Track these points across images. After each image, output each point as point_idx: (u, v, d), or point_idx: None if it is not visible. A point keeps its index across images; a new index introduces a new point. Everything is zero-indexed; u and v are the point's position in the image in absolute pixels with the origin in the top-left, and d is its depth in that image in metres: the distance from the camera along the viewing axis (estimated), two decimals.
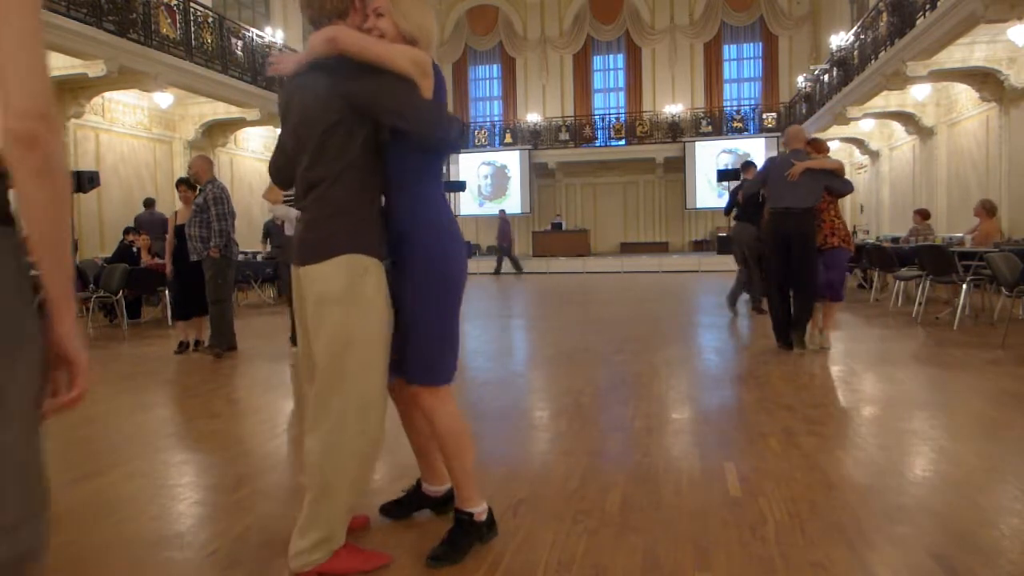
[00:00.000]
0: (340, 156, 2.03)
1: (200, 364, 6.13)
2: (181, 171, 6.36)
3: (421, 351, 2.16)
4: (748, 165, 8.69)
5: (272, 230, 12.44)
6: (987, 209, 8.97)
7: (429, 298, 2.14)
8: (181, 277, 6.69)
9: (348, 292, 2.02)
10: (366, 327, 2.05)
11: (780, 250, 5.69)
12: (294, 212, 4.77)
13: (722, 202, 21.52)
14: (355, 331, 2.03)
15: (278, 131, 2.34)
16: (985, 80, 11.73)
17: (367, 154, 2.07)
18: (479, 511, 2.27)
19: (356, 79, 1.99)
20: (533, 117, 25.04)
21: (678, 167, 23.95)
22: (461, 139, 2.21)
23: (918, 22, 11.20)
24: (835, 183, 5.81)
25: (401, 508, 2.53)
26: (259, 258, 13.02)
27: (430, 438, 2.37)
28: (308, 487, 2.11)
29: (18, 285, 1.00)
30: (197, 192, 6.53)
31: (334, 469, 2.06)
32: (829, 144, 19.95)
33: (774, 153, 20.61)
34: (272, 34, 16.00)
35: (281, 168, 2.29)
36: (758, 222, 8.08)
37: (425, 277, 2.14)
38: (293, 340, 5.89)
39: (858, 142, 18.49)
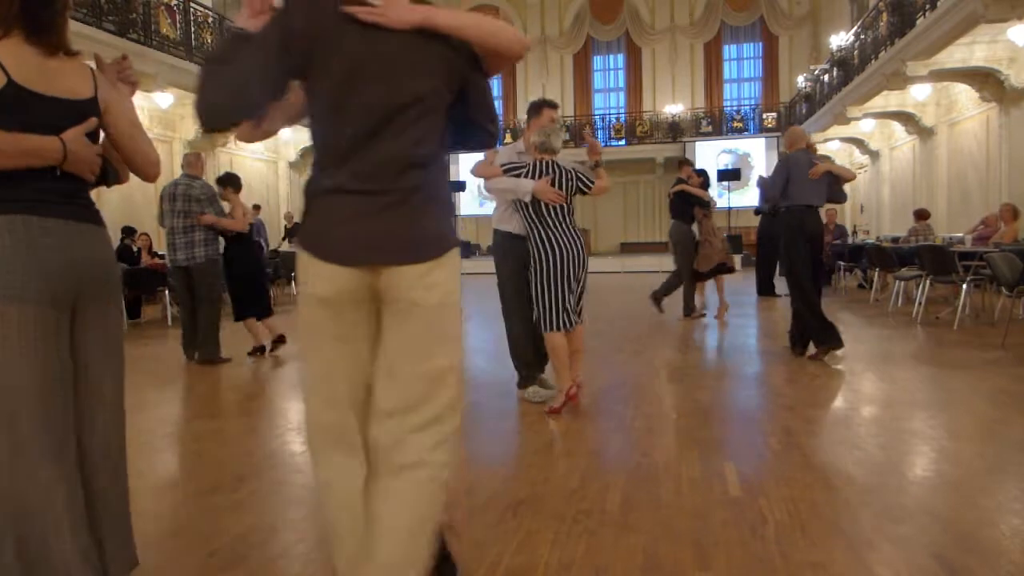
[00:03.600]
0: (442, 134, 1.73)
1: (199, 366, 6.11)
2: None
3: None
4: (683, 163, 8.67)
5: None
6: (1013, 212, 9.39)
7: None
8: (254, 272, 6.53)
9: (458, 290, 1.77)
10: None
11: (806, 247, 5.70)
12: (528, 184, 3.93)
13: (723, 202, 21.63)
14: (459, 333, 1.78)
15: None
16: (985, 80, 11.72)
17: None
18: None
19: (476, 69, 1.73)
20: None
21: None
22: None
23: (918, 22, 11.20)
24: (839, 192, 5.99)
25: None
26: None
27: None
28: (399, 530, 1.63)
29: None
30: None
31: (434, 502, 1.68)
32: (829, 144, 19.79)
33: (774, 153, 20.62)
34: None
35: (254, 105, 1.63)
36: (690, 221, 8.18)
37: None
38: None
39: (858, 142, 18.47)
